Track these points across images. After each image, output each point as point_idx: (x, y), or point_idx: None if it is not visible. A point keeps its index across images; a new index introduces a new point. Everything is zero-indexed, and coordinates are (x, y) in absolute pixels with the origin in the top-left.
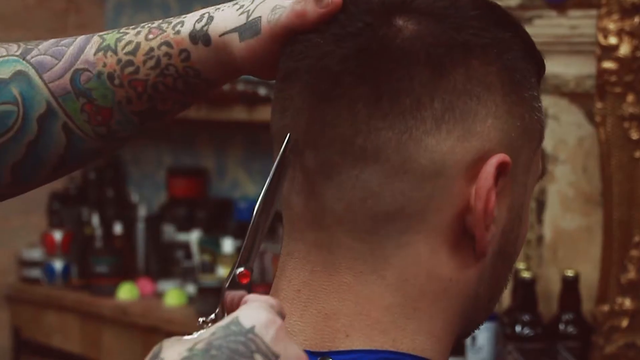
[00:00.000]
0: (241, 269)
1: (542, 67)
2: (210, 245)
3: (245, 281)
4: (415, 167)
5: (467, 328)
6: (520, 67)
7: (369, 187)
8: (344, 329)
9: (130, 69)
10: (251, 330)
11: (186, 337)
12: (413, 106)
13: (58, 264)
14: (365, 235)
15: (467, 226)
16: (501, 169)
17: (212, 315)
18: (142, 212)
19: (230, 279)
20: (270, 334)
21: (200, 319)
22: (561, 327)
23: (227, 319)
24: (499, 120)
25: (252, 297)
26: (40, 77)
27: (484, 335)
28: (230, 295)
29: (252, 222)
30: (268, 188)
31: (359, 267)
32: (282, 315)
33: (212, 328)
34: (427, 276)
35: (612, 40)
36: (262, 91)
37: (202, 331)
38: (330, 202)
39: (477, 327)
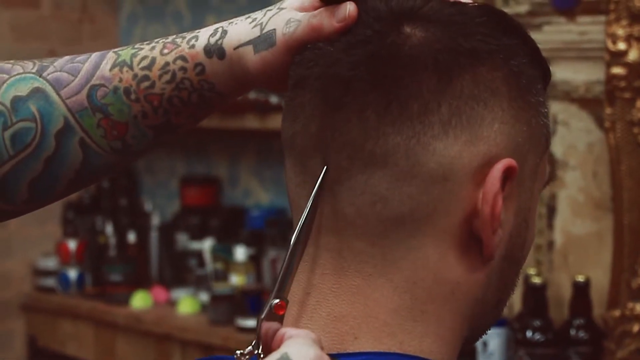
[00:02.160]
0: (277, 301)
1: (548, 73)
2: (223, 253)
3: (281, 312)
4: (424, 172)
5: (474, 331)
6: (526, 73)
7: (378, 192)
8: (352, 332)
9: (146, 83)
10: None
11: None
12: (421, 111)
13: (72, 273)
14: (376, 239)
15: (475, 230)
16: (508, 173)
17: (250, 347)
18: (155, 220)
19: (266, 311)
20: None
21: (238, 352)
22: (572, 332)
23: (276, 355)
24: (506, 125)
25: (290, 332)
26: (58, 94)
27: (495, 340)
28: (266, 327)
29: (288, 251)
30: (305, 218)
31: (368, 270)
32: (322, 349)
33: None
34: (435, 279)
35: (621, 45)
36: (273, 99)
37: None
38: (340, 206)
39: (484, 331)
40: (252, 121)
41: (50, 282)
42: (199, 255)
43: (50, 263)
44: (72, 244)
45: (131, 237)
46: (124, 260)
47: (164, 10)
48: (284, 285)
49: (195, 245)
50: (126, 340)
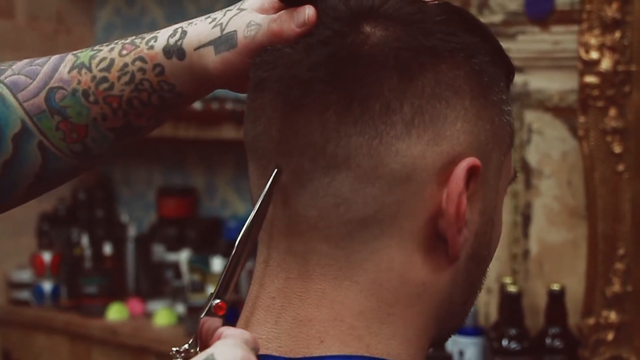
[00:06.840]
0: (217, 301)
1: (511, 70)
2: (200, 264)
3: (220, 313)
4: (387, 172)
5: (442, 332)
6: (488, 71)
7: (341, 194)
8: (318, 335)
9: (105, 85)
10: None
11: None
12: (383, 111)
13: (47, 285)
14: (340, 241)
15: (440, 230)
16: (472, 172)
17: (186, 345)
18: (131, 232)
19: (206, 310)
20: None
21: (174, 349)
22: (548, 340)
23: (203, 355)
24: (468, 123)
25: (227, 331)
26: (15, 97)
27: (471, 349)
28: (207, 324)
29: (232, 253)
30: (252, 221)
31: (333, 274)
32: (256, 350)
33: None
34: (400, 280)
35: (594, 55)
36: None
37: None
38: (303, 209)
39: (452, 331)
40: (229, 131)
41: (24, 294)
42: (175, 266)
43: (25, 275)
44: (47, 256)
45: (107, 249)
46: (99, 272)
47: (140, 21)
48: (226, 286)
49: (171, 256)
50: (102, 353)
